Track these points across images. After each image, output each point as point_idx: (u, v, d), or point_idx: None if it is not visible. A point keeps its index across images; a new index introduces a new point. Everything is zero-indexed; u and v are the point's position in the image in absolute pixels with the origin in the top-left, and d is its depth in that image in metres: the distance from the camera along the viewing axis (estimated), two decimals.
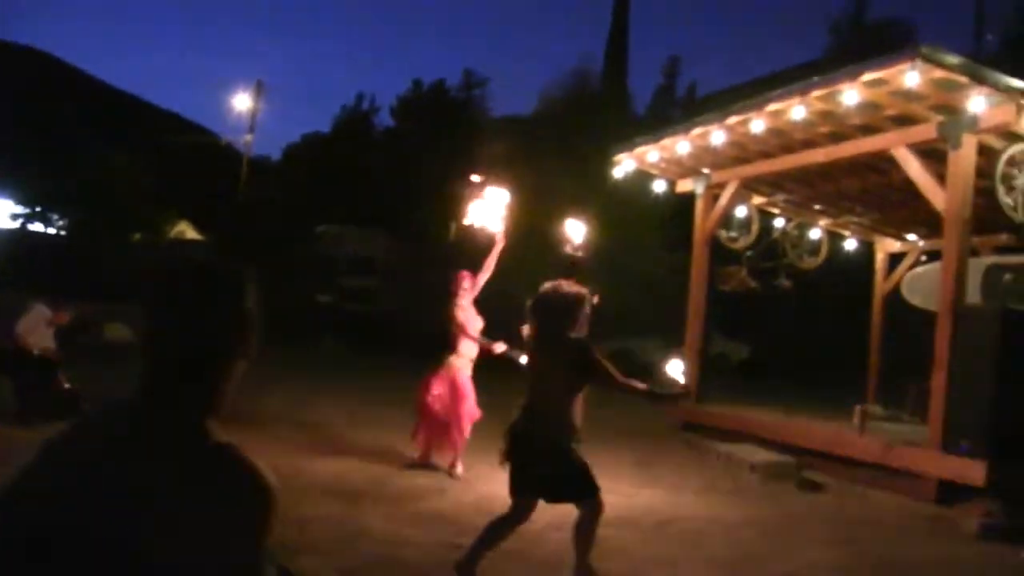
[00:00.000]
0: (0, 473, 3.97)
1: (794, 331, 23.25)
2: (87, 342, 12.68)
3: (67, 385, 8.94)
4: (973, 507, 7.90)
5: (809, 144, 10.22)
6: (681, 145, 11.01)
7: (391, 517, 6.33)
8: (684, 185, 12.60)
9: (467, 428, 8.11)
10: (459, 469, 8.07)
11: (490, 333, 7.99)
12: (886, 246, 14.41)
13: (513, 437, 4.85)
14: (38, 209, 40.97)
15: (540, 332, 4.92)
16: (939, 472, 8.20)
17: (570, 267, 5.82)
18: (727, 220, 12.47)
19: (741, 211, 12.75)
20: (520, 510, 4.87)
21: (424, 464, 8.25)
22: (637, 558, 5.84)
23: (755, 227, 12.66)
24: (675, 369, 4.96)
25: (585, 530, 4.84)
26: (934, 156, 8.89)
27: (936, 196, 8.69)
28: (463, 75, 52.26)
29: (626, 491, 7.92)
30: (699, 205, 12.30)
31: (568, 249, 5.87)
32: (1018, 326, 8.03)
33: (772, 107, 9.32)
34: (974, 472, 7.79)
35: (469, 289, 8.26)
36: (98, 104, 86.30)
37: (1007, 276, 9.48)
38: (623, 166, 12.17)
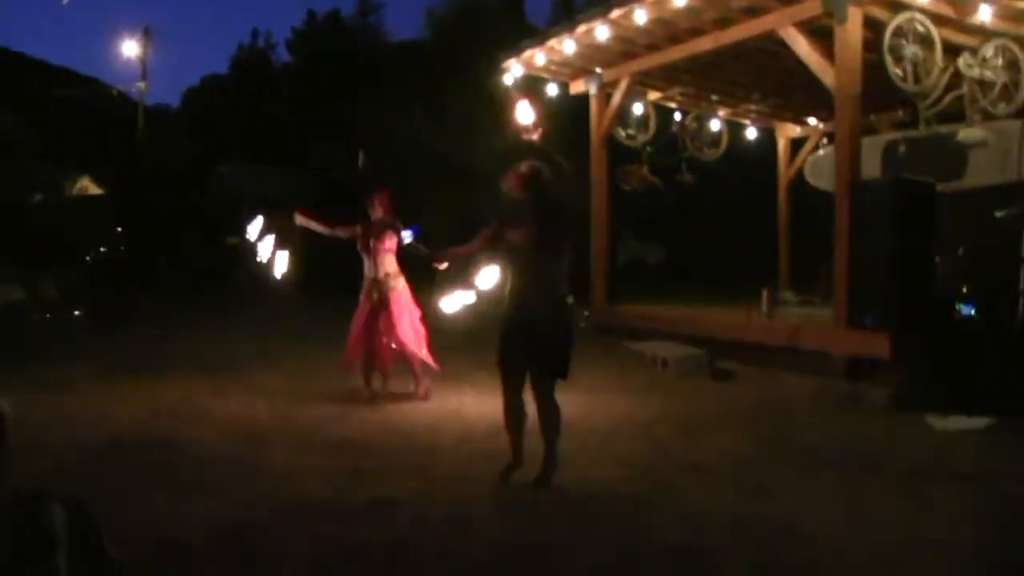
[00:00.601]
0: None
1: (706, 228, 23.30)
2: None
3: None
4: (882, 380, 7.95)
5: (697, 32, 9.97)
6: (567, 44, 10.68)
7: (293, 450, 6.02)
8: (577, 86, 12.28)
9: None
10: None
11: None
12: (787, 131, 14.38)
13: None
14: None
15: (542, 209, 4.91)
16: (846, 349, 8.24)
17: (529, 150, 5.52)
18: (623, 118, 12.24)
19: (638, 108, 12.52)
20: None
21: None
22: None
23: (652, 123, 12.46)
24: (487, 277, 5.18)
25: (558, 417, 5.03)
26: (822, 34, 8.69)
27: (826, 74, 8.55)
28: (357, 2, 50.66)
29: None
30: (593, 105, 12.03)
31: (524, 135, 5.57)
32: (912, 196, 7.98)
33: None
34: (879, 345, 7.84)
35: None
36: None
37: (901, 148, 9.41)
38: (512, 72, 11.78)
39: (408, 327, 7.72)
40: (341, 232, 7.88)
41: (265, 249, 7.25)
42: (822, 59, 8.58)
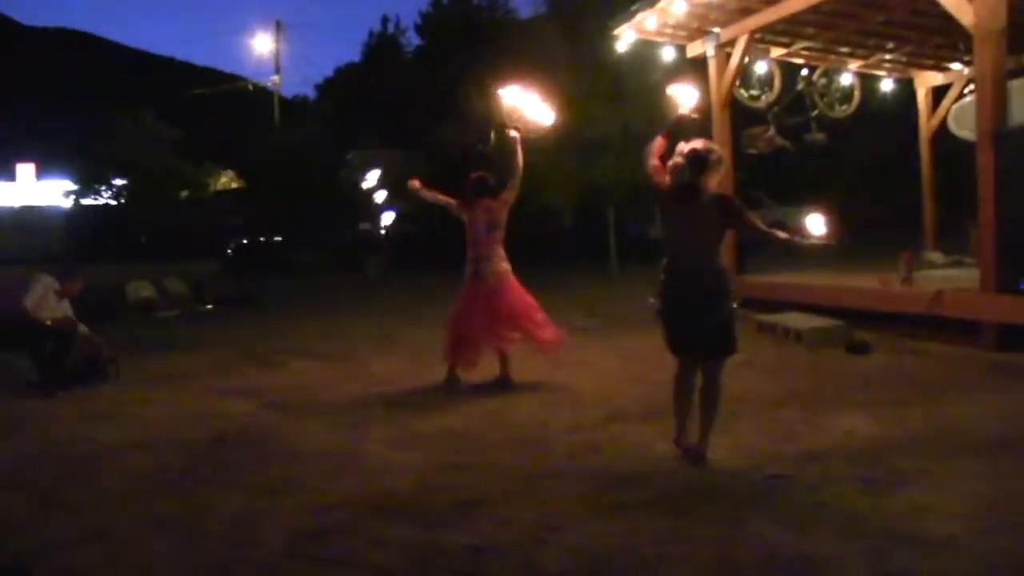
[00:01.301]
0: (56, 443, 5.24)
1: (850, 187, 22.06)
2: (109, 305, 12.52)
3: (100, 350, 8.70)
4: None
5: None
6: (678, 5, 10.10)
7: (393, 443, 5.85)
8: (695, 48, 11.67)
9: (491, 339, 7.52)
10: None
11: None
12: (926, 80, 13.28)
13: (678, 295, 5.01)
14: (82, 184, 41.32)
15: (693, 187, 4.94)
16: (996, 315, 7.45)
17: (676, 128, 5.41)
18: (745, 78, 11.56)
19: (762, 68, 11.81)
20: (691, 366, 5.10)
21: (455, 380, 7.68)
22: (655, 449, 5.34)
23: (777, 82, 11.69)
24: (815, 223, 4.98)
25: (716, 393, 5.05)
26: None
27: (962, 9, 7.69)
28: None
29: (660, 377, 7.38)
30: (712, 67, 11.39)
31: (683, 112, 5.46)
32: None
33: None
34: None
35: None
36: (130, 69, 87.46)
37: None
38: (624, 38, 11.29)
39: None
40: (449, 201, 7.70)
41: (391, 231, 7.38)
42: None
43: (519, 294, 7.54)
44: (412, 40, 54.25)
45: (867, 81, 13.00)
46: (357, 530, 4.15)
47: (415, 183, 7.76)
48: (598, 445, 5.57)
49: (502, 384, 7.53)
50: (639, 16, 10.78)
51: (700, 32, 11.34)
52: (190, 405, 7.44)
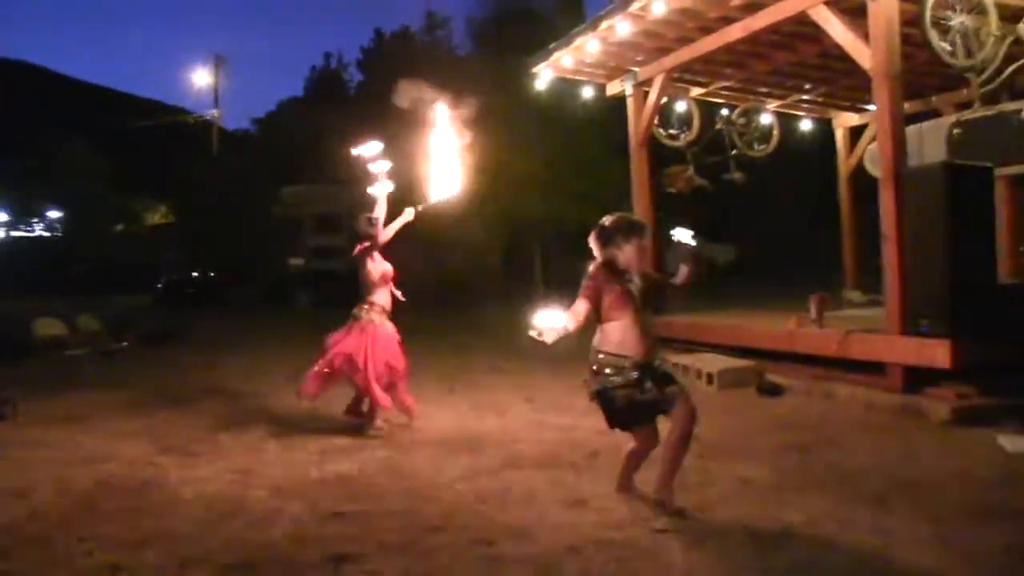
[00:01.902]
0: None
1: (777, 227, 22.34)
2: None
3: None
4: (944, 392, 7.16)
5: (726, 20, 9.26)
6: (591, 44, 10.09)
7: (278, 489, 5.60)
8: (613, 87, 11.67)
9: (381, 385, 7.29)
10: (377, 423, 7.33)
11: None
12: (844, 120, 13.48)
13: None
14: (15, 216, 40.54)
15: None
16: (902, 358, 7.42)
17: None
18: (665, 117, 11.58)
19: (681, 107, 11.87)
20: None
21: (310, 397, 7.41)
22: (541, 499, 5.17)
23: (696, 121, 11.74)
24: (683, 235, 5.21)
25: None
26: (858, 13, 7.92)
27: (861, 55, 7.78)
28: (425, 17, 50.83)
29: (565, 423, 7.24)
30: (630, 105, 11.39)
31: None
32: (967, 182, 7.14)
33: None
34: (939, 353, 7.01)
35: (380, 236, 7.40)
36: (76, 103, 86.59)
37: (956, 131, 8.50)
38: (543, 77, 11.24)
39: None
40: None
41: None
42: (857, 39, 7.81)
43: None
44: (354, 76, 54.33)
45: (787, 121, 13.12)
46: None
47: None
48: (486, 495, 5.38)
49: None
50: (556, 55, 10.75)
51: (619, 71, 11.36)
52: (82, 448, 7.09)
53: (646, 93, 11.17)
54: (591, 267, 4.76)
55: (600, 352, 4.68)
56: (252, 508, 5.29)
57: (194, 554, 4.45)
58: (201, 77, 42.27)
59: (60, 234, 39.22)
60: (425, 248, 16.37)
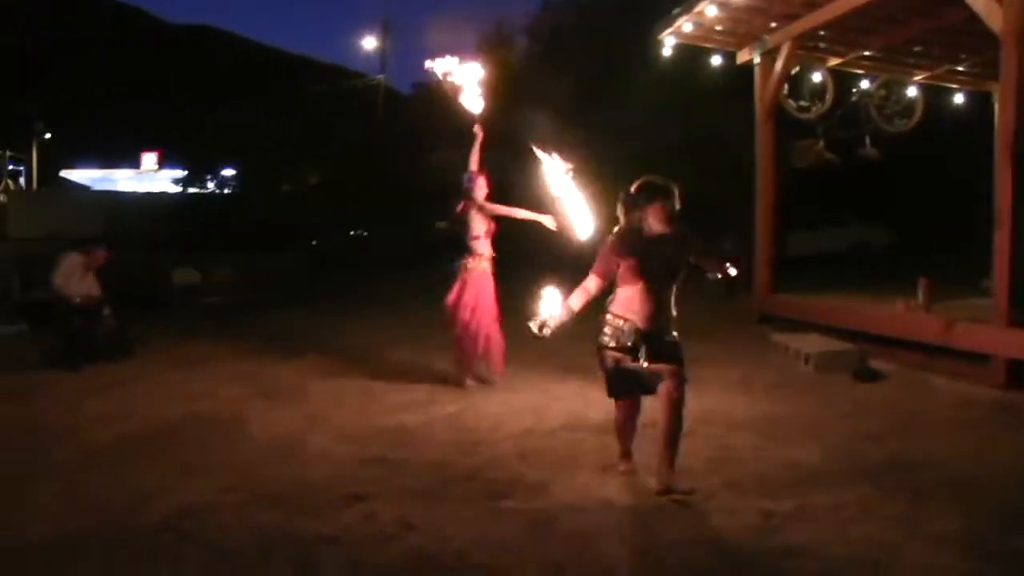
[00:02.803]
0: (51, 412, 5.82)
1: (940, 208, 20.94)
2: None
3: (124, 329, 9.23)
4: None
5: None
6: (710, 8, 9.74)
7: (340, 435, 5.86)
8: (744, 56, 11.25)
9: (484, 339, 7.56)
10: (468, 381, 7.55)
11: None
12: None
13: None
14: (190, 174, 43.15)
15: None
16: (1006, 350, 6.89)
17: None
18: (796, 88, 11.07)
19: (817, 78, 11.32)
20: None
21: (480, 380, 7.66)
22: (598, 458, 5.19)
23: (830, 93, 11.14)
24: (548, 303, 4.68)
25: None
26: None
27: (991, 13, 7.13)
28: None
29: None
30: (757, 75, 10.94)
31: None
32: None
33: None
34: None
35: (482, 188, 7.57)
36: (253, 65, 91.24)
37: None
38: (667, 44, 10.96)
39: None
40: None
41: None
42: (990, 0, 7.16)
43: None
44: (521, 42, 54.55)
45: (936, 93, 12.26)
46: (235, 513, 4.28)
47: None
48: (528, 453, 5.42)
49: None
50: (678, 21, 10.43)
51: (749, 38, 10.93)
52: (187, 386, 7.70)
53: (774, 62, 10.71)
54: (607, 238, 4.70)
55: (607, 311, 4.63)
56: (306, 450, 5.64)
57: (234, 484, 4.81)
58: (369, 42, 43.51)
59: (229, 192, 41.41)
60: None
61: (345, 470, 5.09)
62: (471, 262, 7.57)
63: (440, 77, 7.54)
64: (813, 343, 8.65)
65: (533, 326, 4.59)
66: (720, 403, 6.85)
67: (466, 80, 7.47)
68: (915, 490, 4.59)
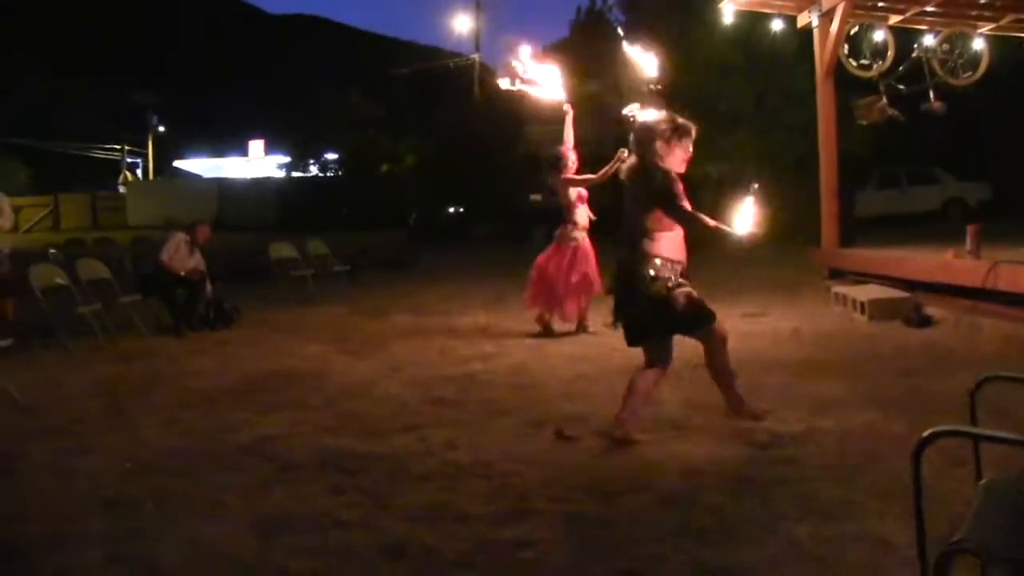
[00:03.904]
0: (162, 389, 6.22)
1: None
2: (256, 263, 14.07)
3: (214, 298, 10.08)
4: None
5: None
6: None
7: (410, 381, 6.50)
8: (803, 19, 11.45)
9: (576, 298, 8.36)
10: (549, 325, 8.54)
11: None
12: None
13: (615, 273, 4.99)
14: (293, 158, 44.84)
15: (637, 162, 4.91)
16: None
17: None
18: (856, 48, 11.20)
19: (878, 36, 11.41)
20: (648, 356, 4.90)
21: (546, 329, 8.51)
22: (673, 400, 5.60)
23: (891, 51, 11.23)
24: (743, 217, 4.71)
25: (715, 363, 4.92)
26: None
27: None
28: None
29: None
30: (816, 35, 11.13)
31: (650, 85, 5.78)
32: None
33: None
34: None
35: (572, 161, 8.34)
36: (353, 50, 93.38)
37: None
38: (726, 12, 11.28)
39: None
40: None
41: None
42: None
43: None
44: (618, 16, 54.31)
45: (1002, 44, 12.16)
46: (304, 439, 5.03)
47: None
48: (573, 393, 6.00)
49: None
50: None
51: (807, 1, 11.13)
52: (277, 347, 8.61)
53: (831, 23, 10.88)
54: (669, 174, 4.74)
55: (657, 257, 4.67)
56: (377, 392, 6.38)
57: (306, 419, 5.56)
58: (463, 22, 44.14)
59: (333, 175, 42.75)
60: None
61: (408, 408, 5.78)
62: (566, 230, 8.39)
63: (511, 86, 7.90)
64: (869, 293, 8.95)
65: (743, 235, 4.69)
66: (768, 349, 7.30)
67: (540, 76, 7.81)
68: (922, 414, 4.94)
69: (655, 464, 4.28)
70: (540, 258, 8.55)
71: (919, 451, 2.01)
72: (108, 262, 10.49)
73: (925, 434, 2.02)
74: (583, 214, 8.41)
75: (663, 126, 4.79)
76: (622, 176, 5.04)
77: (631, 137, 4.98)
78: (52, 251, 17.15)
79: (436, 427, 5.16)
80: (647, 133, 4.82)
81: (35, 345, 8.41)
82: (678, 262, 4.77)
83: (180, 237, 10.04)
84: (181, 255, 9.92)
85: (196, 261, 10.08)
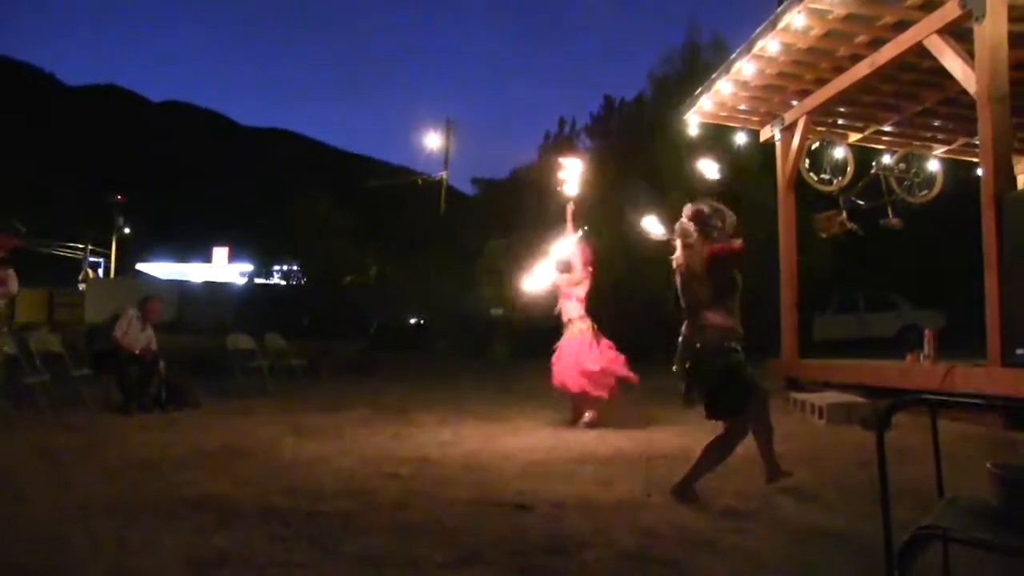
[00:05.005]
0: (107, 453, 5.77)
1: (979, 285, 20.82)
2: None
3: (169, 377, 9.93)
4: None
5: (855, 58, 9.35)
6: (725, 87, 10.39)
7: (362, 457, 6.35)
8: (766, 133, 11.87)
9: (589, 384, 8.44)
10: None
11: None
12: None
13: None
14: (256, 266, 44.95)
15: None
16: (998, 389, 7.15)
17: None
18: (817, 163, 11.58)
19: (839, 153, 11.83)
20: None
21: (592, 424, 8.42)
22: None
23: (851, 167, 11.62)
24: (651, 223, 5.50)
25: (708, 448, 4.99)
26: (969, 39, 7.80)
27: (968, 80, 7.66)
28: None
29: (668, 438, 7.61)
30: (778, 150, 11.53)
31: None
32: None
33: (783, 22, 8.61)
34: None
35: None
36: (321, 164, 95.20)
37: None
38: (692, 123, 11.65)
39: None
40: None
41: None
42: (965, 65, 7.70)
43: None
44: (585, 142, 55.82)
45: (956, 167, 12.65)
46: (248, 497, 4.85)
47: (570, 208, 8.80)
48: (529, 475, 5.88)
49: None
50: (700, 101, 11.11)
51: (770, 116, 11.55)
52: (231, 428, 8.37)
53: (793, 137, 11.27)
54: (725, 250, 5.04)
55: (726, 330, 4.94)
56: (328, 466, 6.16)
57: (253, 481, 5.45)
58: (433, 140, 45.02)
59: (295, 283, 42.88)
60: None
61: (358, 478, 5.61)
62: (567, 326, 8.72)
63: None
64: (827, 398, 8.98)
65: None
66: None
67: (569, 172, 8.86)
68: (876, 495, 4.91)
69: (613, 526, 4.17)
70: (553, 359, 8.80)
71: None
72: (62, 337, 10.30)
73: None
74: (573, 309, 8.71)
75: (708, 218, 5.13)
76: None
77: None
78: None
79: (386, 493, 5.02)
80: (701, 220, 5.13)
81: None
82: (741, 336, 5.08)
83: (131, 313, 9.93)
84: (134, 331, 9.79)
85: (148, 338, 9.94)
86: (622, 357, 8.62)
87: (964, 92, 8.73)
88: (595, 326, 8.71)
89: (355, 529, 4.09)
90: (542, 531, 4.09)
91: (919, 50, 8.39)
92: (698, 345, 4.91)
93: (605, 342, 8.65)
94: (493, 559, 3.58)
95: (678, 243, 5.22)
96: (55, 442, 7.04)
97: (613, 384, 8.53)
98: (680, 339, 5.09)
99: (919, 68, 9.42)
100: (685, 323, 5.06)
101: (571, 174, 8.91)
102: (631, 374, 8.56)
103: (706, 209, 5.10)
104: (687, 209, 5.24)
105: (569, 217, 8.79)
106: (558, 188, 8.95)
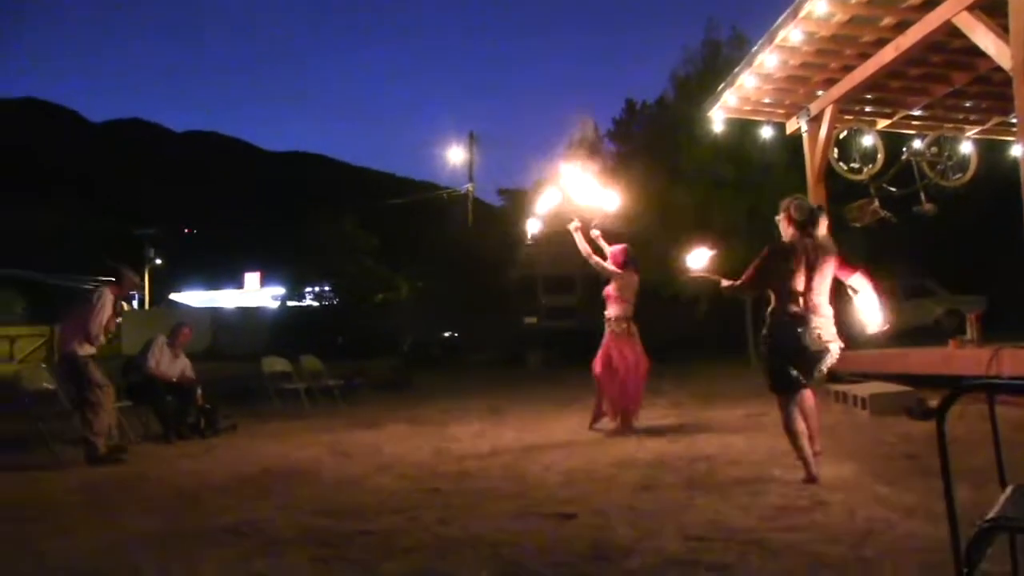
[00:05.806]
0: (147, 483, 5.89)
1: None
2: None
3: (206, 404, 9.88)
4: None
5: (880, 43, 9.16)
6: (748, 80, 10.25)
7: (393, 472, 6.30)
8: (792, 126, 11.70)
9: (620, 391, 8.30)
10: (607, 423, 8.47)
11: None
12: None
13: None
14: (288, 289, 45.22)
15: None
16: None
17: None
18: (846, 152, 11.38)
19: (867, 141, 11.61)
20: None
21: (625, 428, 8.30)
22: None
23: (881, 154, 11.41)
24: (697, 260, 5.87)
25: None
26: (1001, 14, 7.49)
27: (1002, 55, 7.44)
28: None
29: (710, 439, 7.53)
30: (806, 141, 11.34)
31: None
32: None
33: (804, 10, 8.47)
34: None
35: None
36: (347, 184, 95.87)
37: None
38: (716, 119, 11.51)
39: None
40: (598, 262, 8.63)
41: None
42: (998, 39, 7.45)
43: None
44: (608, 146, 55.67)
45: (991, 146, 12.38)
46: (288, 520, 4.83)
47: (575, 225, 8.62)
48: (570, 483, 5.80)
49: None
50: (724, 95, 10.97)
51: (796, 108, 11.37)
52: (268, 450, 8.37)
53: (820, 128, 11.09)
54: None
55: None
56: (368, 484, 6.14)
57: (293, 504, 5.39)
58: (456, 154, 45.07)
59: (328, 303, 43.02)
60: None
61: (399, 495, 5.56)
62: (609, 326, 8.51)
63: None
64: (869, 388, 8.79)
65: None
66: (770, 443, 7.09)
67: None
68: (928, 487, 4.78)
69: (658, 531, 4.07)
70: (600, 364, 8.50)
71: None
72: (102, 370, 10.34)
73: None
74: (614, 309, 8.52)
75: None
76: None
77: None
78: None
79: (427, 509, 4.95)
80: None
81: (17, 450, 8.18)
82: None
83: (161, 340, 9.91)
84: (166, 360, 9.78)
85: (183, 365, 9.94)
86: (645, 366, 8.45)
87: (997, 69, 8.49)
88: (633, 328, 8.51)
89: (397, 547, 4.02)
90: (585, 540, 4.02)
91: (948, 29, 8.16)
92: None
93: (638, 347, 8.48)
94: (536, 570, 3.50)
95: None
96: (97, 474, 7.07)
97: (628, 391, 8.35)
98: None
99: (948, 48, 9.23)
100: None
101: (544, 206, 8.86)
102: (638, 396, 8.46)
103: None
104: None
105: (579, 237, 8.63)
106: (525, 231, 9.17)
